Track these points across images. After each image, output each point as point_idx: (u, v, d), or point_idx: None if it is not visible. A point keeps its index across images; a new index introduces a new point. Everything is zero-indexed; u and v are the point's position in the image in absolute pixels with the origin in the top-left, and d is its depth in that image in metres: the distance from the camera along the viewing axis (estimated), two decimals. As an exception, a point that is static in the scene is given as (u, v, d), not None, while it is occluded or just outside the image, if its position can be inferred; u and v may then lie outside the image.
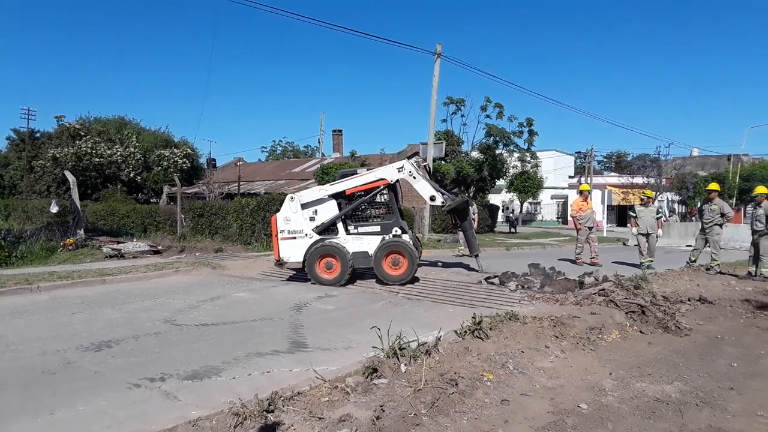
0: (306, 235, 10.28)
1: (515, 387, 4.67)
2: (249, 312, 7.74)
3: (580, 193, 14.85)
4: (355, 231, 10.41)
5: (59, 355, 5.45)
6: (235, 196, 25.28)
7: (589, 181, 46.44)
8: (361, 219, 10.59)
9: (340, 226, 10.33)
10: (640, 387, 4.78)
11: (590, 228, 14.68)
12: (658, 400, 4.48)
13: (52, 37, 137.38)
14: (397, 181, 10.63)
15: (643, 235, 13.35)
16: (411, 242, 10.13)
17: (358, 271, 10.43)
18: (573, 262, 14.31)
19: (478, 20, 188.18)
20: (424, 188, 10.51)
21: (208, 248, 16.19)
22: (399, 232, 10.14)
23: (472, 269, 11.92)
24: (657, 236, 13.28)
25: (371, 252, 10.07)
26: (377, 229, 10.34)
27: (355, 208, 10.44)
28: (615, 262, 14.40)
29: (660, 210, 14.10)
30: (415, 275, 10.24)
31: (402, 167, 10.37)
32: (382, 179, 10.33)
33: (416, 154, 26.78)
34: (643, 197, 13.99)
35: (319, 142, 51.89)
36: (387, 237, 10.12)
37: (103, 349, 5.69)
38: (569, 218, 14.67)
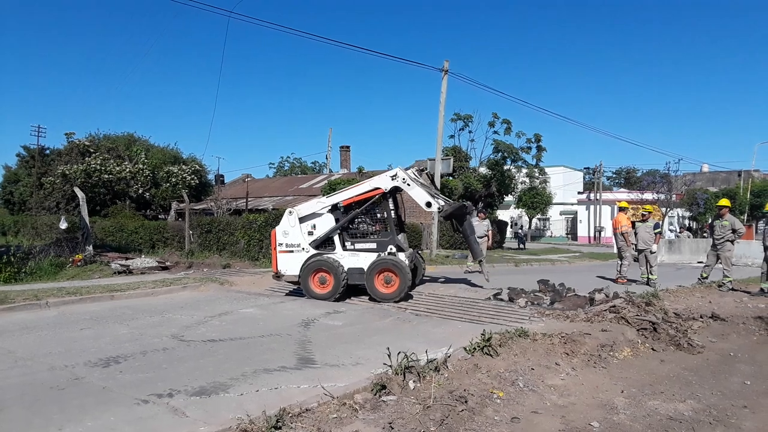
0: (303, 249, 10.40)
1: (525, 404, 4.62)
2: (257, 328, 7.73)
3: (622, 209, 14.32)
4: (352, 247, 10.43)
5: (68, 370, 5.45)
6: (243, 212, 25.37)
7: (598, 197, 46.41)
8: (359, 236, 10.64)
9: (337, 241, 10.39)
10: (653, 405, 4.72)
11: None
12: (671, 418, 4.42)
13: (63, 55, 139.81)
14: (397, 193, 10.69)
15: (639, 251, 13.25)
16: (406, 260, 10.03)
17: (360, 286, 10.32)
18: (614, 281, 13.48)
19: (485, 37, 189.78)
20: (419, 195, 10.40)
21: (215, 264, 16.21)
22: (394, 250, 10.10)
23: (476, 285, 11.77)
24: (652, 251, 13.07)
25: (366, 268, 10.07)
26: (373, 246, 10.34)
27: (350, 221, 10.49)
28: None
29: (658, 225, 13.84)
30: (409, 293, 10.22)
31: (395, 175, 10.36)
32: (377, 188, 10.37)
33: (424, 170, 26.79)
34: (644, 213, 13.84)
35: (326, 159, 52.26)
36: (383, 254, 10.08)
37: (111, 364, 5.68)
38: (617, 235, 13.98)
